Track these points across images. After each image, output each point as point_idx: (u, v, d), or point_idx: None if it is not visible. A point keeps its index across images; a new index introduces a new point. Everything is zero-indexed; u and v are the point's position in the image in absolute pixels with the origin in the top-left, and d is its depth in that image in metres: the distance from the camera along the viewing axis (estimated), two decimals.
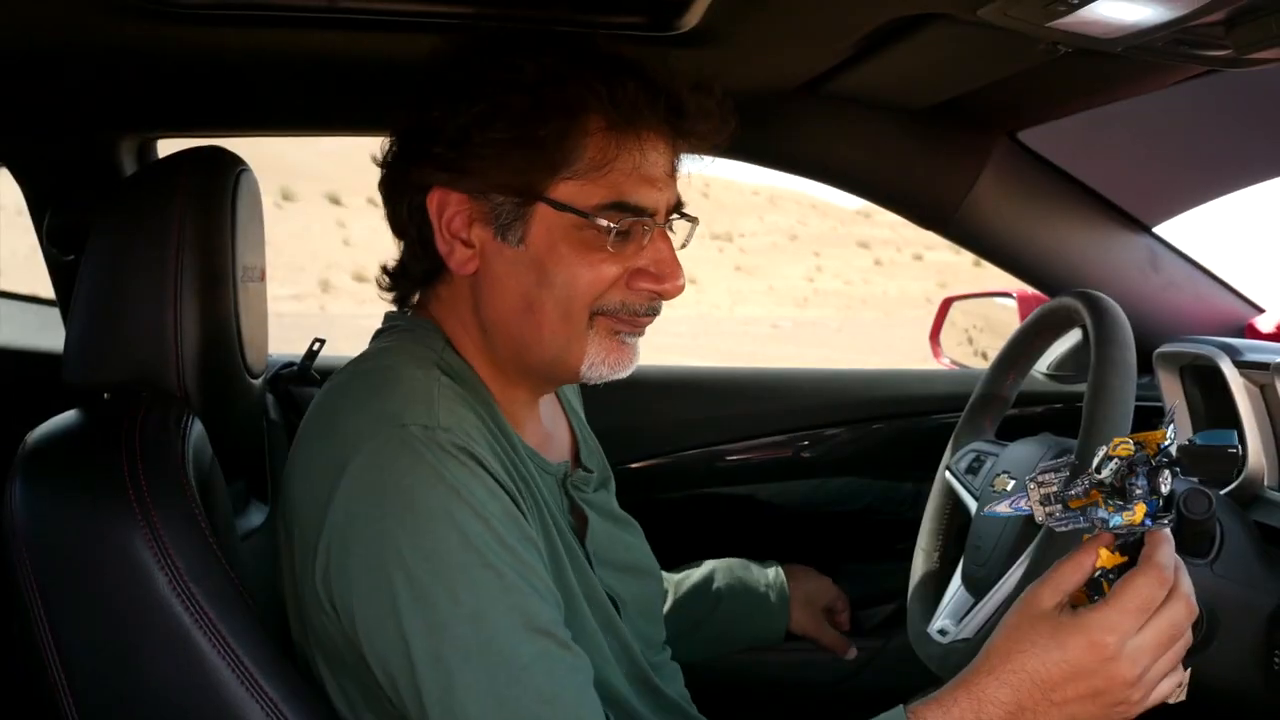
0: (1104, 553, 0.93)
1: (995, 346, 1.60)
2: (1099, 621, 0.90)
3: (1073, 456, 0.99)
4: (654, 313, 1.11)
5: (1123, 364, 1.16)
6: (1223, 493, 1.36)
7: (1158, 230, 1.83)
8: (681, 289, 1.10)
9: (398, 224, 1.11)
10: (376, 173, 1.13)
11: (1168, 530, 0.93)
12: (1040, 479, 0.96)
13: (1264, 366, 1.37)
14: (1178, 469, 0.91)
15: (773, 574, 1.60)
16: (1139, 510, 0.90)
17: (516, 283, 1.06)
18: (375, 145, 1.14)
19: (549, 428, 1.23)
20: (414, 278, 1.14)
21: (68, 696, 0.97)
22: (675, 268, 1.09)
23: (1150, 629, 0.91)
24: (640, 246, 1.07)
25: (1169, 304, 1.79)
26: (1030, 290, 1.93)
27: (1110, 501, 0.91)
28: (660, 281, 1.08)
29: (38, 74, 1.50)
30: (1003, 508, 1.00)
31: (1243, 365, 1.41)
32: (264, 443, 1.52)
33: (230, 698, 0.97)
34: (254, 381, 1.36)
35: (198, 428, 1.14)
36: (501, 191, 1.04)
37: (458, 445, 0.98)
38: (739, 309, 29.49)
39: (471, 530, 0.95)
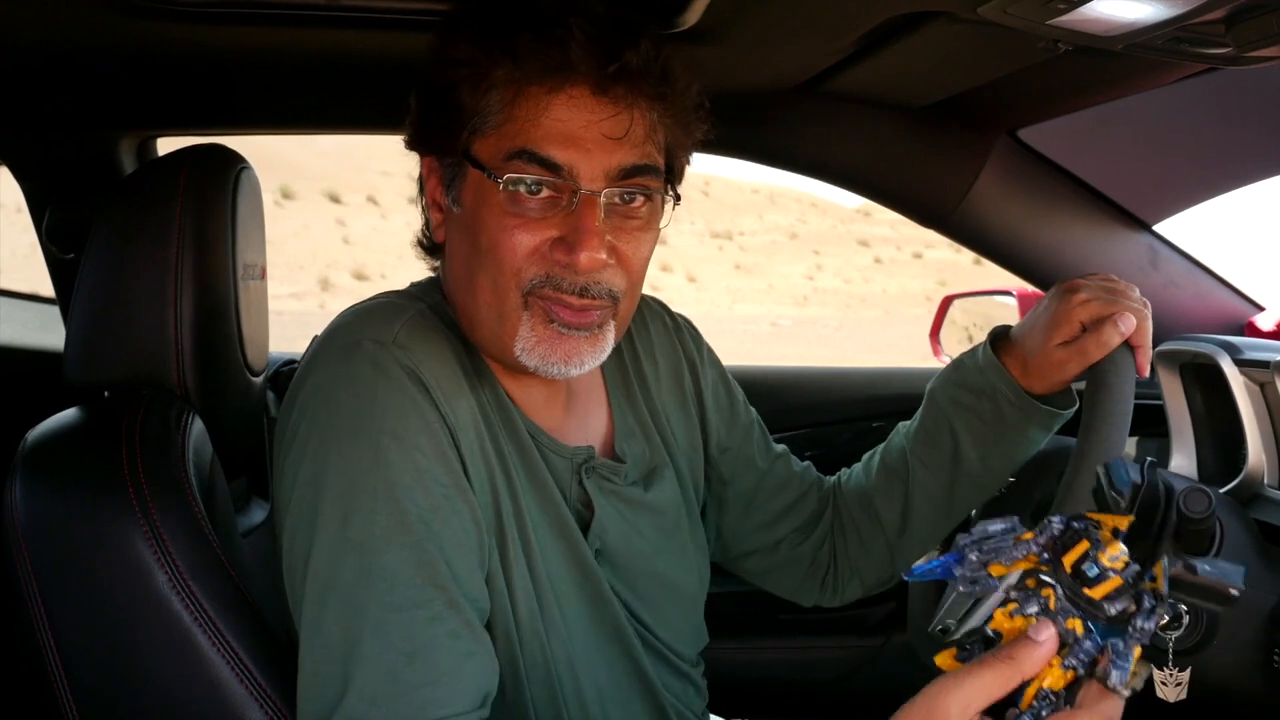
0: (1056, 670, 0.76)
1: None
2: None
3: (1017, 521, 0.87)
4: (586, 294, 1.01)
5: (1122, 362, 1.16)
6: (1223, 491, 1.36)
7: (1157, 228, 1.83)
8: (597, 263, 1.00)
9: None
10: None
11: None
12: (984, 545, 0.83)
13: (1264, 365, 1.37)
14: (1166, 610, 0.75)
15: (981, 358, 1.24)
16: (1136, 653, 0.74)
17: (461, 248, 1.06)
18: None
19: (575, 411, 1.17)
20: (426, 248, 1.16)
21: (67, 694, 0.97)
22: (589, 237, 0.99)
23: None
24: (567, 215, 1.00)
25: (1169, 302, 1.79)
26: (1030, 288, 1.93)
27: (1095, 628, 0.75)
28: (570, 251, 0.99)
29: (37, 73, 1.50)
30: (928, 568, 0.87)
31: (1243, 363, 1.40)
32: (265, 440, 1.52)
33: (229, 695, 0.97)
34: (255, 379, 1.36)
35: (198, 425, 1.14)
36: (442, 153, 1.06)
37: (404, 365, 0.97)
38: (739, 307, 29.49)
39: (388, 458, 0.94)
